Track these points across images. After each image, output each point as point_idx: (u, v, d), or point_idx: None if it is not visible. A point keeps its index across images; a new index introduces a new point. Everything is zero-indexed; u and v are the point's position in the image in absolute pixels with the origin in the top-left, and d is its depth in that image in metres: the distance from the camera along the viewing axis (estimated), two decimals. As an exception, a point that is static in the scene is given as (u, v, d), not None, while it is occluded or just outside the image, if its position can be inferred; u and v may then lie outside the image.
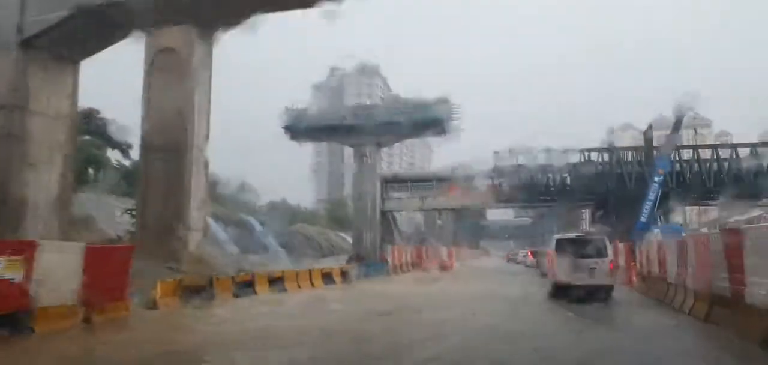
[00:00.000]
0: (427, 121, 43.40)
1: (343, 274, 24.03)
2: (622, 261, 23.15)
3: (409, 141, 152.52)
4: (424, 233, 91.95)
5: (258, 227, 56.07)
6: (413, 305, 14.84)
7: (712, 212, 58.35)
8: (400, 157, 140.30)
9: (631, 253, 22.12)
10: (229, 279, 16.30)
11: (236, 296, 15.57)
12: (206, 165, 25.34)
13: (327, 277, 22.19)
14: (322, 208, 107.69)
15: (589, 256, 14.29)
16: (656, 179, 30.25)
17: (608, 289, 14.45)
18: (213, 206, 53.82)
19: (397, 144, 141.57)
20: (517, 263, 51.55)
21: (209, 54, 23.45)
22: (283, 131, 46.23)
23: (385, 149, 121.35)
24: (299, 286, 19.47)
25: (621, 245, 23.51)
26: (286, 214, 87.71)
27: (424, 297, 17.59)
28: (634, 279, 20.31)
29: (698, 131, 28.64)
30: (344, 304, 14.82)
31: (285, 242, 60.04)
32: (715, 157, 34.44)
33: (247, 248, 51.73)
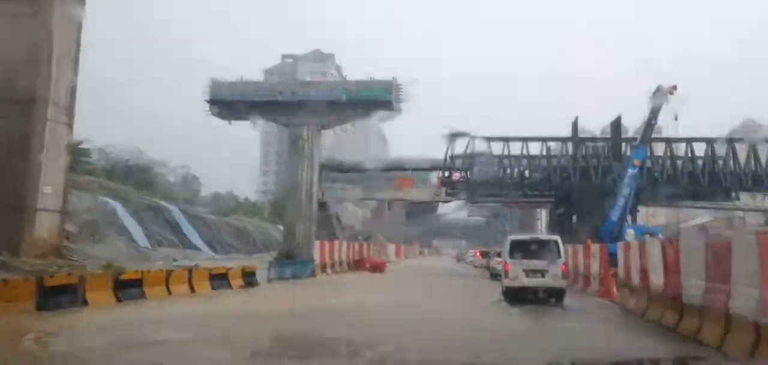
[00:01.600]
0: (372, 99, 38.28)
1: (246, 275, 18.57)
2: (595, 267, 18.68)
3: (362, 131, 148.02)
4: (370, 229, 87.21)
5: (179, 217, 49.65)
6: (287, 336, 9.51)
7: (661, 215, 55.99)
8: (352, 150, 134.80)
9: (608, 257, 17.68)
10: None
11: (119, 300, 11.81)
12: (70, 127, 19.51)
13: (219, 279, 16.67)
14: (267, 200, 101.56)
15: (542, 258, 14.02)
16: (631, 170, 26.17)
17: (560, 292, 14.17)
18: (120, 188, 47.21)
19: (348, 135, 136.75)
20: (466, 263, 47.93)
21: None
22: (207, 106, 40.02)
23: (330, 135, 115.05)
24: (169, 291, 13.97)
25: (595, 248, 19.03)
26: (225, 205, 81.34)
27: (321, 314, 12.35)
28: (615, 290, 15.81)
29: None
30: (182, 329, 9.30)
31: (211, 236, 53.88)
32: (689, 152, 30.77)
33: (162, 240, 45.44)
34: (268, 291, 17.78)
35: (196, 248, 48.02)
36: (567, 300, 14.60)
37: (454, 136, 34.50)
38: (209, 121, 40.87)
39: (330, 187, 45.75)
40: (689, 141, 30.11)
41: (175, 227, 48.03)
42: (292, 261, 25.04)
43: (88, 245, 30.08)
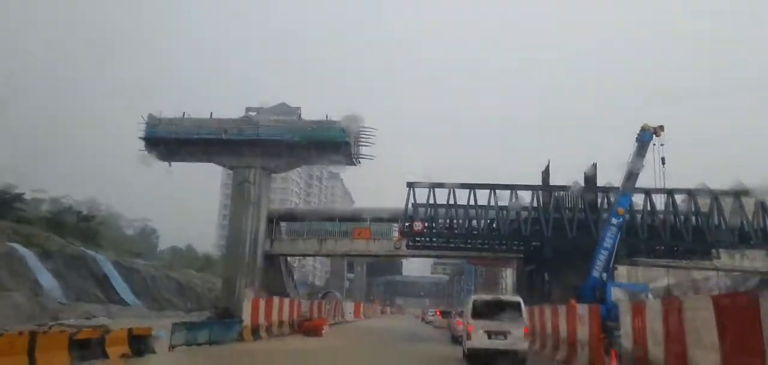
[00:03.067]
0: (328, 141, 34.79)
1: (135, 340, 14.18)
2: (582, 333, 15.05)
3: (328, 189, 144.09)
4: (331, 287, 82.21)
5: (108, 269, 44.13)
6: None
7: (620, 275, 53.33)
8: (318, 200, 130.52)
9: (601, 322, 14.11)
10: None
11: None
12: None
13: (85, 348, 12.28)
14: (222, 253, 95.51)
15: (505, 320, 13.92)
16: (614, 220, 23.05)
17: (523, 355, 14.07)
18: (39, 235, 41.73)
19: (313, 190, 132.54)
20: (426, 323, 44.23)
21: None
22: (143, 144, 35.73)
23: (295, 192, 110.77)
24: (-4, 366, 9.61)
25: (582, 309, 15.43)
26: (177, 259, 75.49)
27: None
28: (614, 365, 12.17)
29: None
30: None
31: (146, 291, 48.32)
32: (670, 205, 28.04)
33: (84, 294, 39.94)
34: (159, 365, 13.44)
35: (125, 303, 42.56)
36: None
37: (414, 184, 31.05)
38: (171, 171, 36.84)
39: (279, 238, 41.48)
40: (670, 193, 27.46)
41: (102, 281, 42.53)
42: (210, 322, 20.55)
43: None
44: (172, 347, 15.93)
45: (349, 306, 59.29)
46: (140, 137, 35.48)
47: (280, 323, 26.04)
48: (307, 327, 24.69)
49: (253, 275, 35.44)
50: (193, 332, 17.64)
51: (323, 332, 25.58)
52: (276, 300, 26.50)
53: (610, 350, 12.93)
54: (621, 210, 23.20)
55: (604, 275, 22.20)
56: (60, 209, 55.43)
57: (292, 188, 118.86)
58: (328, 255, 47.18)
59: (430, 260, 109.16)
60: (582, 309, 15.56)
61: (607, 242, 22.67)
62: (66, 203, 56.90)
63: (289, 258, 51.00)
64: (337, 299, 59.74)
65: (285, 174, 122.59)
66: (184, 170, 39.43)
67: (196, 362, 14.73)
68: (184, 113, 36.52)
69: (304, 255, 45.49)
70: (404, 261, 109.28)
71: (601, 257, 22.39)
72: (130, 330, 14.48)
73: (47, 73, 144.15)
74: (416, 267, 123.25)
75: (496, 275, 75.82)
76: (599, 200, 29.49)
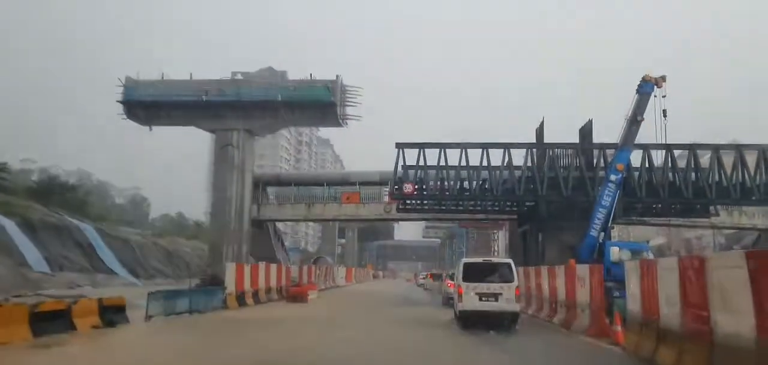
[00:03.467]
0: (312, 102, 33.41)
1: (106, 312, 13.19)
2: (583, 296, 14.21)
3: (318, 154, 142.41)
4: (322, 252, 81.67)
5: (93, 237, 42.94)
6: None
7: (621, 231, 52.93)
8: (309, 166, 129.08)
9: (603, 283, 13.25)
10: None
11: None
12: None
13: (50, 320, 11.27)
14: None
15: (495, 281, 13.93)
16: (613, 176, 22.10)
17: (513, 316, 13.88)
18: (20, 204, 40.31)
19: (303, 155, 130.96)
20: (418, 286, 43.71)
21: None
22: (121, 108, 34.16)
23: (285, 159, 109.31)
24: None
25: (582, 270, 14.57)
26: (168, 227, 74.43)
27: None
28: (618, 330, 11.32)
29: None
30: None
31: (135, 260, 47.27)
32: (669, 161, 27.10)
33: (68, 263, 38.82)
34: (130, 338, 12.42)
35: (112, 272, 41.54)
36: (543, 345, 12.13)
37: (404, 145, 29.91)
38: (162, 138, 35.47)
39: (266, 203, 40.43)
40: (669, 148, 26.49)
41: (88, 250, 41.40)
42: (190, 290, 19.54)
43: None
44: (148, 317, 14.92)
45: (340, 272, 58.73)
46: (118, 101, 33.90)
47: (268, 290, 25.14)
48: (293, 294, 23.79)
49: (240, 241, 34.46)
50: (171, 301, 16.60)
51: (310, 298, 24.68)
52: (262, 266, 25.53)
53: (613, 312, 12.10)
54: (620, 166, 22.24)
55: (602, 234, 21.36)
56: (47, 179, 54.16)
57: (282, 154, 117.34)
58: (316, 220, 46.37)
59: (422, 225, 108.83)
60: (582, 270, 14.68)
61: (605, 200, 21.76)
62: (55, 173, 55.75)
63: (278, 224, 50.16)
64: (328, 264, 59.17)
65: (274, 140, 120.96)
66: (174, 136, 38.44)
67: (169, 331, 13.74)
68: (163, 74, 34.94)
69: (292, 220, 44.46)
70: (396, 226, 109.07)
71: (599, 215, 21.50)
72: (100, 301, 13.45)
73: (28, 37, 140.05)
74: (408, 232, 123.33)
75: (488, 237, 75.62)
76: (595, 158, 28.55)
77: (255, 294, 23.18)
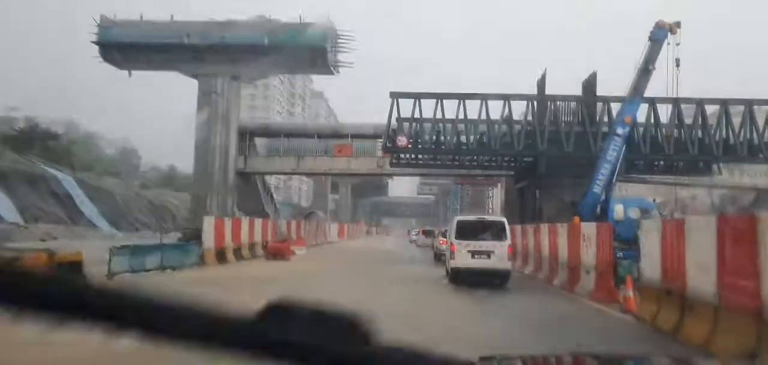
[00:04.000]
0: (302, 46, 31.47)
1: (63, 267, 11.76)
2: (588, 257, 12.94)
3: (312, 107, 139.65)
4: (316, 208, 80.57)
5: (72, 187, 41.41)
6: None
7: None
8: (302, 119, 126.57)
9: (612, 243, 11.96)
10: None
11: None
12: None
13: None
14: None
15: (488, 240, 14.05)
16: (620, 129, 20.64)
17: (505, 274, 13.88)
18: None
19: (297, 109, 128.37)
20: (411, 242, 42.73)
21: None
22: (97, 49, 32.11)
23: (277, 110, 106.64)
24: None
25: (588, 228, 13.25)
26: (159, 180, 72.87)
27: None
28: (632, 296, 10.06)
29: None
30: None
31: (117, 212, 45.85)
32: (675, 116, 25.63)
33: (43, 215, 37.38)
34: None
35: (92, 225, 40.17)
36: (546, 309, 10.98)
37: (399, 94, 28.25)
38: (152, 86, 33.50)
39: (254, 155, 38.85)
40: (676, 102, 24.98)
41: (65, 201, 39.92)
42: (162, 245, 18.17)
43: None
44: (111, 275, 13.57)
45: (333, 227, 57.69)
46: (93, 42, 31.84)
47: (252, 245, 23.87)
48: (273, 251, 22.43)
49: (225, 194, 33.06)
50: (139, 257, 15.24)
51: (293, 255, 23.38)
52: (245, 220, 24.23)
53: (626, 276, 10.82)
54: (628, 119, 20.74)
55: (605, 191, 20.04)
56: (29, 128, 52.23)
57: (274, 106, 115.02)
58: (306, 174, 44.87)
59: (416, 181, 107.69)
60: (588, 228, 13.35)
61: (611, 155, 20.32)
62: (41, 123, 53.81)
63: (268, 178, 48.74)
64: (320, 220, 58.03)
65: (266, 92, 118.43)
66: (165, 85, 36.50)
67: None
68: (141, 15, 32.79)
69: (280, 174, 43.02)
70: (390, 182, 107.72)
71: (603, 171, 20.10)
72: (52, 255, 12.02)
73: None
74: (402, 188, 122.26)
75: (483, 195, 74.60)
76: (599, 113, 27.05)
77: (237, 251, 21.90)
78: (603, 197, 19.74)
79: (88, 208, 40.43)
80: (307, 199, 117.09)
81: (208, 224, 19.59)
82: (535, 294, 13.55)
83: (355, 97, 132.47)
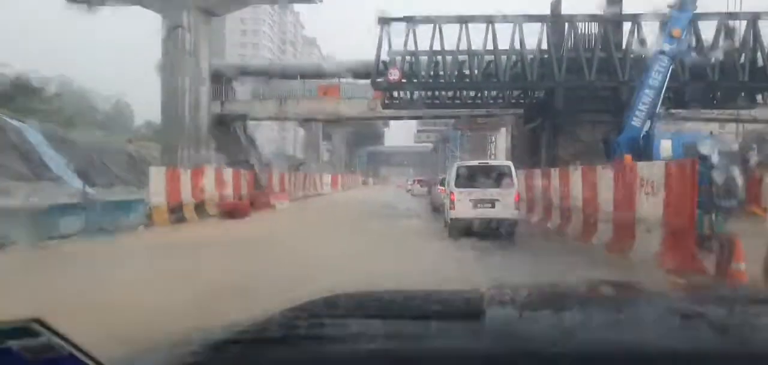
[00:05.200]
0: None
1: None
2: (648, 207, 9.30)
3: (299, 49, 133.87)
4: (307, 157, 76.91)
5: (37, 140, 37.47)
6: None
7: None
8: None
9: (695, 185, 8.29)
10: None
11: None
12: None
13: None
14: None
15: (493, 187, 12.64)
16: (666, 47, 16.68)
17: (511, 224, 12.52)
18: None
19: (283, 52, 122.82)
20: (407, 192, 39.70)
21: None
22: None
23: (253, 51, 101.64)
24: None
25: (651, 170, 9.56)
26: (150, 134, 68.91)
27: None
28: (744, 269, 6.46)
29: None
30: None
31: (90, 166, 42.08)
32: (721, 37, 21.53)
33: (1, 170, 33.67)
34: None
35: (61, 180, 36.47)
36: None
37: (389, 20, 24.09)
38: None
39: (231, 99, 34.83)
40: (732, 16, 20.76)
41: (28, 155, 36.03)
42: (94, 203, 14.51)
43: None
44: (3, 243, 10.02)
45: (326, 178, 54.28)
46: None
47: (221, 199, 20.29)
48: (228, 209, 18.58)
49: (198, 142, 29.23)
50: (50, 220, 11.65)
51: (271, 209, 19.79)
52: (209, 171, 20.58)
53: (727, 238, 7.22)
54: (676, 32, 16.71)
55: (648, 123, 16.27)
56: (8, 82, 48.67)
57: (265, 54, 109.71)
58: (288, 119, 40.83)
59: (414, 129, 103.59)
60: (650, 169, 9.67)
61: (655, 79, 16.43)
62: (36, 82, 50.53)
63: (257, 125, 44.84)
64: (311, 171, 54.60)
65: (256, 39, 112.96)
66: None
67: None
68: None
69: (260, 119, 38.98)
70: (386, 130, 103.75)
71: (646, 99, 16.28)
72: None
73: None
74: (399, 136, 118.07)
75: (485, 140, 70.63)
76: (626, 36, 23.00)
77: (199, 207, 18.31)
78: (644, 131, 15.98)
79: (56, 162, 36.52)
80: (303, 150, 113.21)
81: (156, 176, 15.96)
82: (577, 260, 9.97)
83: (348, 45, 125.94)
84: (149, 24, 31.86)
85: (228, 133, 35.51)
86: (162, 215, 15.49)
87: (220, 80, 33.26)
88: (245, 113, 34.29)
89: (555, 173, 15.25)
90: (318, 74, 35.53)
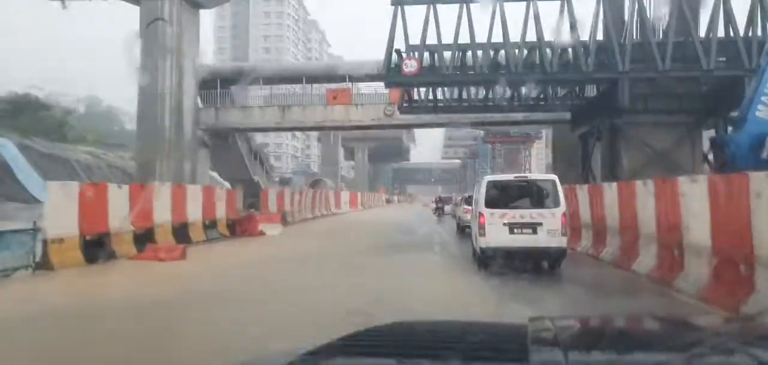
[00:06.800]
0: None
1: None
2: None
3: (313, 55, 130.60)
4: (323, 174, 72.60)
5: (11, 155, 33.86)
6: None
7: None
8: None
9: None
10: None
11: None
12: None
13: None
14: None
15: (533, 207, 10.15)
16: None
17: (559, 254, 9.85)
18: None
19: (284, 44, 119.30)
20: (433, 211, 35.13)
21: None
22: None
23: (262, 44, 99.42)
24: None
25: None
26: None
27: None
28: None
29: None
30: None
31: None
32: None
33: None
34: None
35: (35, 200, 32.67)
36: None
37: (405, 1, 19.25)
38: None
39: (231, 108, 30.42)
40: None
41: (1, 172, 32.42)
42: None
43: None
44: None
45: (344, 196, 49.62)
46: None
47: (180, 226, 15.55)
48: (156, 255, 13.16)
49: (182, 153, 24.81)
50: None
51: (262, 236, 15.02)
52: (163, 189, 15.84)
53: None
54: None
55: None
56: (14, 99, 46.31)
57: (287, 57, 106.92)
58: (292, 129, 36.32)
59: (440, 144, 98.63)
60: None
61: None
62: (70, 104, 49.29)
63: (265, 139, 40.62)
64: (325, 189, 49.97)
65: (278, 44, 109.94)
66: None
67: None
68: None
69: (259, 130, 34.48)
70: (412, 146, 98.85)
71: (768, 89, 11.13)
72: None
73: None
74: (425, 152, 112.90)
75: (518, 154, 65.17)
76: (712, 9, 17.70)
77: (144, 236, 13.52)
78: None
79: (31, 180, 32.79)
80: (319, 165, 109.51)
81: (53, 195, 11.13)
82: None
83: (365, 45, 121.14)
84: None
85: (225, 146, 31.20)
86: (66, 253, 10.75)
87: (210, 85, 29.00)
88: (243, 122, 29.82)
89: (611, 188, 10.84)
90: (326, 77, 30.89)
